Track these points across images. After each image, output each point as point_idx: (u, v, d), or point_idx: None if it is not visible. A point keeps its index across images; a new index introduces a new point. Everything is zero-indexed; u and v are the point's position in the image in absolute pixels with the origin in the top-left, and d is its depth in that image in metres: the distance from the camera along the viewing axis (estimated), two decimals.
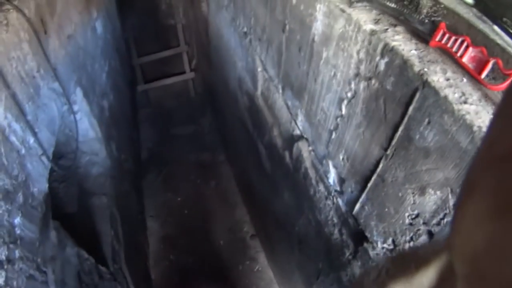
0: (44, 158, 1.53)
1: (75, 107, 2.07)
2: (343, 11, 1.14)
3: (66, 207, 2.18)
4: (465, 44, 0.83)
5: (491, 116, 0.24)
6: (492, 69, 0.80)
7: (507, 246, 0.19)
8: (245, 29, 2.16)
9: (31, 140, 1.43)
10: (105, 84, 2.90)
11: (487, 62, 0.80)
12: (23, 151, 1.35)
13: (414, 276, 0.42)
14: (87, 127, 2.29)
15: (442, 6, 0.92)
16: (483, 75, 0.81)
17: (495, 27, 0.85)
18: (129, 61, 4.58)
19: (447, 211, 0.89)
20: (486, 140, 0.24)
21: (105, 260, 2.20)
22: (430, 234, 0.98)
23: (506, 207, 0.20)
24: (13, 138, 1.28)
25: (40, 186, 1.47)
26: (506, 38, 0.82)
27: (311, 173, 1.74)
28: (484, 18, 0.88)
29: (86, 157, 2.42)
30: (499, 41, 0.81)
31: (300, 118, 1.71)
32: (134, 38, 4.66)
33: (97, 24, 2.87)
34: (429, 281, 0.38)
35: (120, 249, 2.49)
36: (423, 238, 1.01)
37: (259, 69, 2.12)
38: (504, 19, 0.85)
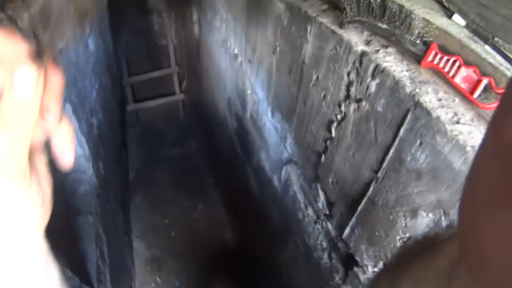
0: None
1: None
2: (334, 32, 1.14)
3: (51, 224, 2.13)
4: (457, 64, 0.83)
5: (497, 103, 0.24)
6: (485, 89, 0.80)
7: (508, 237, 0.19)
8: (235, 51, 2.16)
9: None
10: (95, 101, 2.87)
11: (479, 81, 0.79)
12: None
13: (432, 258, 0.41)
14: (75, 144, 2.25)
15: (434, 26, 0.92)
16: (476, 95, 0.80)
17: (487, 47, 0.85)
18: (120, 80, 4.56)
19: (440, 233, 0.88)
20: (490, 128, 0.24)
21: (90, 280, 2.14)
22: None
23: (510, 198, 0.20)
24: None
25: None
26: (498, 57, 0.82)
27: (300, 196, 1.72)
28: (476, 38, 0.88)
29: (73, 175, 2.38)
30: (491, 60, 0.81)
31: (289, 141, 1.70)
32: (125, 57, 4.65)
33: (89, 40, 2.86)
34: (445, 265, 0.38)
35: (105, 269, 2.43)
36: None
37: (249, 91, 2.11)
38: (496, 38, 0.85)
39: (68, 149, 0.53)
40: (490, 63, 0.82)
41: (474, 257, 0.23)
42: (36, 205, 0.51)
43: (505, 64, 0.81)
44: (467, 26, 0.91)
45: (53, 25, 1.95)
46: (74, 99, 2.23)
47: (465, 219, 0.25)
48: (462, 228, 0.25)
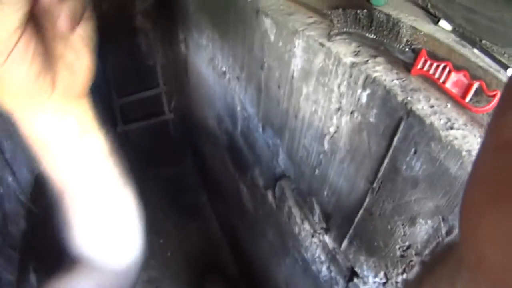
0: (22, 198, 1.49)
1: None
2: (322, 45, 1.14)
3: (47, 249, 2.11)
4: (447, 69, 0.83)
5: (490, 106, 0.24)
6: (476, 92, 0.80)
7: (505, 234, 0.20)
8: (223, 68, 2.16)
9: (9, 178, 1.40)
10: None
11: (470, 85, 0.80)
12: (1, 190, 1.31)
13: (445, 261, 0.42)
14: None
15: (422, 33, 0.93)
16: (467, 99, 0.80)
17: (475, 50, 0.85)
18: (109, 102, 4.55)
19: (440, 239, 0.87)
20: (489, 126, 0.24)
21: None
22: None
23: (505, 196, 0.20)
24: None
25: (19, 226, 1.42)
26: (487, 60, 0.82)
27: (295, 211, 1.71)
28: (464, 42, 0.88)
29: None
30: (481, 64, 0.82)
31: (282, 156, 1.69)
32: (114, 78, 4.63)
33: None
34: (452, 266, 0.39)
35: None
36: (417, 270, 0.99)
37: (238, 108, 2.11)
38: (483, 41, 0.86)
39: (66, 10, 0.54)
40: (480, 66, 0.82)
41: (474, 257, 0.23)
42: (23, 76, 0.53)
43: (495, 66, 0.82)
44: (454, 31, 0.92)
45: None
46: None
47: (464, 218, 0.25)
48: (462, 227, 0.25)
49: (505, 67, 0.79)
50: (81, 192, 0.87)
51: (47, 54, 0.56)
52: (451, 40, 0.90)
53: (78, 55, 0.62)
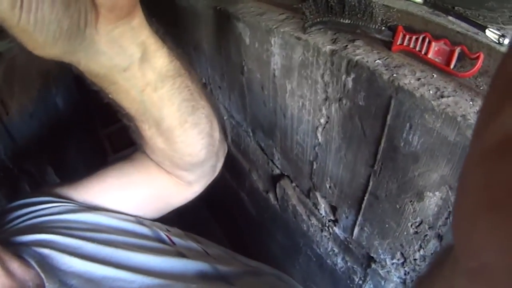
0: None
1: None
2: (298, 38, 1.14)
3: None
4: (426, 40, 0.84)
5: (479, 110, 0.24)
6: (459, 57, 0.80)
7: (501, 240, 0.19)
8: (203, 80, 2.15)
9: None
10: (73, 161, 2.85)
11: (452, 52, 0.80)
12: None
13: (442, 263, 0.42)
14: None
15: (395, 10, 0.93)
16: (452, 66, 0.80)
17: (450, 18, 0.85)
18: (96, 133, 4.54)
19: (451, 208, 0.87)
20: (474, 134, 0.24)
21: None
22: (439, 236, 0.95)
23: (496, 202, 0.20)
24: None
25: None
26: (464, 24, 0.82)
27: (300, 209, 1.70)
28: (437, 12, 0.88)
29: None
30: (458, 29, 0.82)
31: (277, 157, 1.69)
32: (97, 108, 4.59)
33: (57, 100, 2.84)
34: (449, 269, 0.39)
35: None
36: (433, 243, 0.98)
37: (225, 117, 2.10)
38: (456, 7, 0.86)
39: None
40: (458, 32, 0.82)
41: (470, 262, 0.23)
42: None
43: (472, 29, 0.82)
44: (425, 2, 0.92)
45: (18, 92, 1.94)
46: (54, 161, 2.22)
47: (457, 224, 0.25)
48: (455, 233, 0.25)
49: (483, 28, 0.79)
50: (154, 117, 0.85)
51: None
52: (425, 12, 0.90)
53: None
